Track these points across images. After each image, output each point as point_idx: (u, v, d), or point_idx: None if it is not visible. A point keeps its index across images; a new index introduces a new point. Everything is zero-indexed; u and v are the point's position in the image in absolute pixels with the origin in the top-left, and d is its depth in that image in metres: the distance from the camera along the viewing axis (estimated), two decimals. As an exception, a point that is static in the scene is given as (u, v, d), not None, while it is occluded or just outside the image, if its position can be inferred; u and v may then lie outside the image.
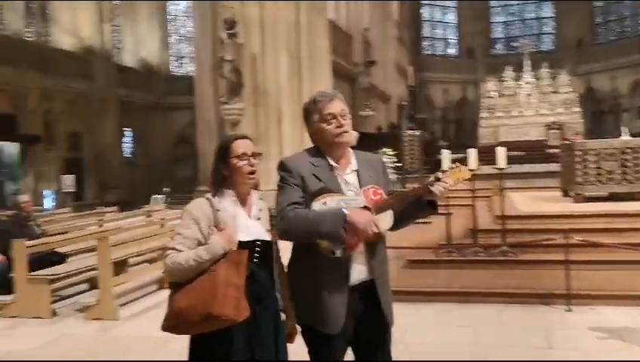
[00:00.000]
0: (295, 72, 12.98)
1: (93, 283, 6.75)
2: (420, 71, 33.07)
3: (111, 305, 5.90)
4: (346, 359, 2.55)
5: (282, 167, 2.46)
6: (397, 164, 12.38)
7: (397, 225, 2.59)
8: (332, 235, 2.27)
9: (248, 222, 2.40)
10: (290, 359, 2.50)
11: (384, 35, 25.16)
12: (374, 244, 2.48)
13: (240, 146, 2.40)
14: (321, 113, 2.46)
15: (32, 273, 6.17)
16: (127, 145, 22.76)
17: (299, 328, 2.55)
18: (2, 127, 16.46)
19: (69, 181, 15.75)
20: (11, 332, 5.68)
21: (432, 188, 2.40)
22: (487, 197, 9.94)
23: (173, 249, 2.31)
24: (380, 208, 2.39)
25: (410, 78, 29.05)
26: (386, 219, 2.43)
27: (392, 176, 11.31)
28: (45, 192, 16.81)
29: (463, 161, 8.45)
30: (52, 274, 6.21)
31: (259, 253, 2.38)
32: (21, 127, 17.28)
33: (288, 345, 2.52)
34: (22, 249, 6.16)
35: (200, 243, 2.29)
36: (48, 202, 16.57)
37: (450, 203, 8.36)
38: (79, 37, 20.16)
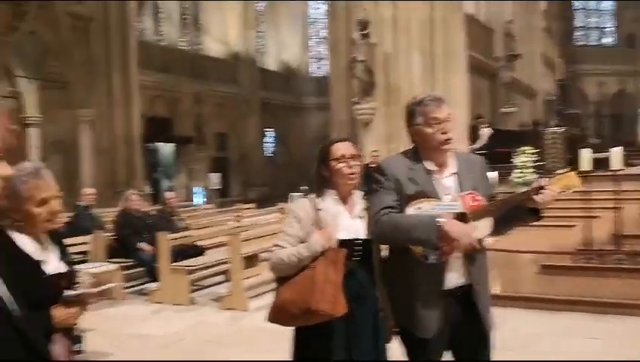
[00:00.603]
0: (428, 70, 12.78)
1: (227, 276, 7.21)
2: (572, 63, 30.90)
3: (241, 297, 6.26)
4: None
5: (378, 169, 2.47)
6: (538, 163, 11.70)
7: (497, 231, 2.50)
8: (425, 243, 2.28)
9: (349, 221, 2.45)
10: (390, 359, 2.51)
11: (529, 27, 23.85)
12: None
13: (339, 149, 2.46)
14: (427, 116, 2.43)
15: (174, 263, 6.74)
16: (269, 144, 23.89)
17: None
18: (160, 129, 18.08)
19: (215, 179, 16.92)
20: (155, 316, 6.25)
21: (535, 197, 2.29)
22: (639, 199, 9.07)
23: (277, 246, 2.44)
24: (477, 215, 2.32)
25: (560, 71, 27.24)
26: (484, 226, 2.35)
27: (532, 176, 10.72)
28: (195, 189, 18.18)
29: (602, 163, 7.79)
30: (191, 266, 6.74)
31: (359, 251, 2.42)
32: (176, 128, 18.87)
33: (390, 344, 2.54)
34: (165, 241, 6.75)
35: (302, 241, 2.39)
36: (198, 198, 17.89)
37: (595, 205, 7.75)
38: (227, 44, 21.56)
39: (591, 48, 34.01)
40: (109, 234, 7.51)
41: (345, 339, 2.35)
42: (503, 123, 17.99)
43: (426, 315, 2.35)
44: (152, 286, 6.92)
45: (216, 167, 19.61)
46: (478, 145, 13.76)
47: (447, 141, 2.41)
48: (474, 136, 14.02)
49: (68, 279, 2.28)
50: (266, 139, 23.57)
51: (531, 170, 11.24)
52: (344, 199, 2.48)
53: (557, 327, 5.15)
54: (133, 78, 15.32)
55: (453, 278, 2.39)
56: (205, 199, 17.74)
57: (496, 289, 6.60)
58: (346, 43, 13.16)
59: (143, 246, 7.15)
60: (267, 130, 23.48)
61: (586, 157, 6.51)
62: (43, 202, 2.11)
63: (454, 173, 2.46)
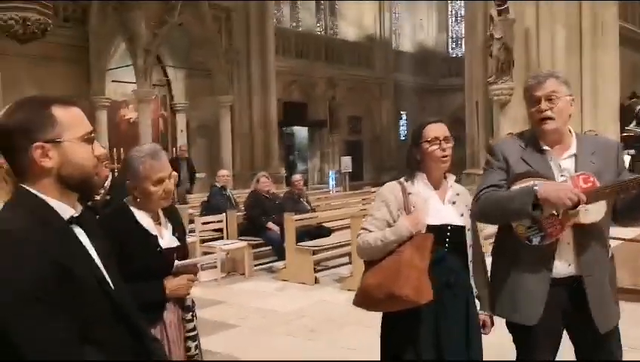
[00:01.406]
0: (574, 46, 11.85)
1: (351, 258, 7.31)
2: None
3: (362, 279, 6.30)
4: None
5: (489, 150, 2.42)
6: None
7: (623, 218, 2.30)
8: (520, 212, 2.16)
9: (440, 206, 2.37)
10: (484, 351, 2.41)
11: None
12: (585, 237, 2.23)
13: (432, 131, 2.37)
14: (531, 95, 2.30)
15: (300, 243, 6.96)
16: (402, 127, 23.67)
17: (499, 319, 2.43)
18: (296, 113, 18.66)
19: (347, 162, 17.13)
20: (280, 293, 6.52)
21: None
22: None
23: (364, 229, 2.41)
24: (589, 198, 2.13)
25: None
26: (596, 210, 2.16)
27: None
28: (329, 172, 18.56)
29: None
30: (315, 246, 6.92)
31: (450, 237, 2.33)
32: (310, 112, 19.36)
33: (489, 337, 2.43)
34: (291, 222, 6.99)
35: (389, 225, 2.34)
36: (330, 181, 18.26)
37: None
38: (361, 27, 21.62)
39: None
40: (241, 213, 7.92)
41: (434, 327, 2.28)
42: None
43: (529, 300, 2.24)
44: (279, 264, 7.21)
45: (349, 151, 19.84)
46: (632, 126, 12.57)
47: (543, 120, 2.25)
48: (628, 116, 12.80)
49: (181, 253, 2.44)
50: (399, 122, 23.38)
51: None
52: (436, 183, 2.40)
53: None
54: (271, 65, 15.92)
55: (563, 267, 2.24)
56: (336, 182, 18.06)
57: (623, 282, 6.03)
58: (484, 20, 12.61)
59: (271, 225, 7.47)
60: (401, 112, 23.26)
61: None
62: (159, 181, 2.28)
63: (573, 155, 2.30)
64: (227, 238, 7.63)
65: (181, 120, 15.26)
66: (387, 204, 2.38)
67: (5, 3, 4.29)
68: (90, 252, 1.40)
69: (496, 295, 2.36)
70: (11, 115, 1.34)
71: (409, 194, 2.37)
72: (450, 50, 26.08)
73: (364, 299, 2.34)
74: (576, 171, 2.26)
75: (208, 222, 7.67)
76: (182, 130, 15.15)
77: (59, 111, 1.36)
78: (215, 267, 7.07)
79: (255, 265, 7.46)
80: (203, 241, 7.46)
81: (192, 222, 7.72)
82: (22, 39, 4.60)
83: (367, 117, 21.52)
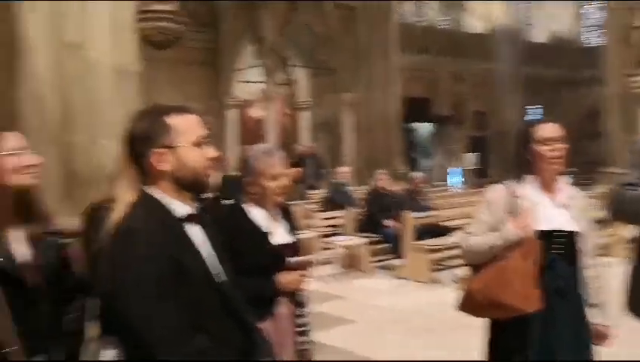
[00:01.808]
0: None
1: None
2: None
3: (481, 280, 6.13)
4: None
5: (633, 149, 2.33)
6: None
7: None
8: None
9: (551, 210, 2.26)
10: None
11: None
12: None
13: (544, 130, 2.26)
14: None
15: (417, 241, 6.91)
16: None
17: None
18: (418, 109, 18.42)
19: (472, 159, 16.64)
20: (397, 291, 6.53)
21: None
22: None
23: (468, 232, 2.36)
24: None
25: None
26: None
27: None
28: (451, 169, 18.13)
29: None
30: (433, 245, 6.83)
31: (561, 243, 2.22)
32: (434, 108, 19.03)
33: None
34: (410, 219, 6.96)
35: (492, 229, 2.27)
36: (454, 178, 17.82)
37: None
38: (489, 19, 20.85)
39: None
40: (360, 210, 8.01)
41: (542, 335, 2.18)
42: None
43: None
44: (397, 261, 7.21)
45: (474, 147, 19.24)
46: None
47: None
48: None
49: (292, 249, 2.53)
50: (528, 117, 22.25)
51: None
52: (546, 186, 2.28)
53: None
54: (394, 61, 15.84)
55: None
56: (462, 179, 17.58)
57: None
58: (624, 8, 11.67)
59: (389, 223, 7.48)
60: (530, 107, 22.13)
61: None
62: (274, 178, 2.40)
63: None
64: (346, 234, 7.75)
65: (305, 118, 15.68)
66: (492, 207, 2.30)
67: (145, 14, 4.67)
68: (202, 248, 1.54)
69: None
70: (134, 124, 1.51)
71: (517, 197, 2.27)
72: (585, 40, 24.37)
73: (468, 305, 2.30)
74: None
75: (328, 218, 7.84)
76: (305, 128, 15.58)
77: (174, 119, 1.51)
78: (333, 262, 7.22)
79: (373, 262, 7.51)
80: (322, 237, 7.64)
81: (311, 218, 7.94)
82: (160, 46, 4.99)
83: (494, 112, 20.71)
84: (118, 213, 1.49)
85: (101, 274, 1.47)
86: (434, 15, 20.30)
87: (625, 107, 11.29)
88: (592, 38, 24.24)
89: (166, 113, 1.51)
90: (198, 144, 1.52)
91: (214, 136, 13.86)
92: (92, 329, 2.03)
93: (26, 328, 1.65)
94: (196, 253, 1.51)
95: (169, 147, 1.49)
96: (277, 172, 2.40)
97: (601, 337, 2.30)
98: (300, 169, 11.57)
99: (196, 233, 1.54)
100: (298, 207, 8.63)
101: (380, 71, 15.66)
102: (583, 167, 17.35)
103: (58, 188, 3.93)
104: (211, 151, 1.56)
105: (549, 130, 2.26)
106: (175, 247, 1.44)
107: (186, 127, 1.52)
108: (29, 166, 1.68)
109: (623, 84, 11.70)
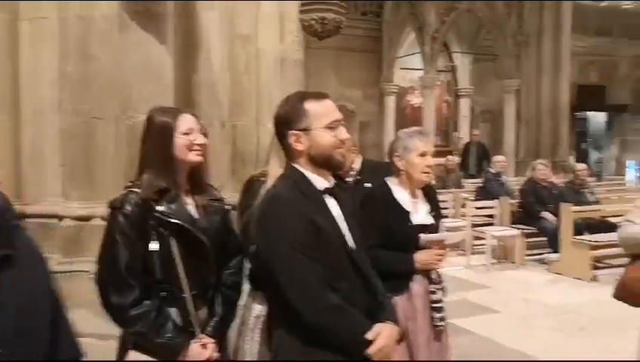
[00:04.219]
0: None
1: (638, 257, 6.60)
2: None
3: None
4: None
5: None
6: None
7: None
8: None
9: None
10: None
11: None
12: None
13: None
14: None
15: (577, 236, 6.56)
16: None
17: None
18: (592, 97, 17.08)
19: (651, 152, 15.11)
20: (551, 286, 6.27)
21: None
22: None
23: (628, 221, 2.30)
24: None
25: None
26: None
27: None
28: (628, 162, 16.61)
29: None
30: (593, 241, 6.43)
31: None
32: (609, 96, 17.51)
33: None
34: (569, 213, 6.62)
35: None
36: (631, 172, 16.32)
37: None
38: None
39: None
40: (516, 200, 7.76)
41: None
42: None
43: None
44: (553, 256, 6.90)
45: (656, 139, 17.42)
46: None
47: None
48: None
49: (431, 231, 2.64)
50: None
51: None
52: None
53: None
54: (565, 45, 14.85)
55: None
56: (638, 174, 16.04)
57: None
58: None
59: (546, 215, 7.17)
60: None
61: None
62: (422, 155, 2.54)
63: None
64: (500, 225, 7.57)
65: (465, 105, 15.35)
66: None
67: (307, 6, 5.01)
68: (337, 217, 1.75)
69: None
70: (279, 108, 1.77)
71: None
72: None
73: (624, 292, 2.29)
74: None
75: (481, 208, 7.72)
76: (465, 116, 15.25)
77: (311, 105, 1.74)
78: (485, 253, 7.11)
79: (527, 255, 7.26)
80: (475, 226, 7.55)
81: (464, 206, 7.86)
82: (320, 36, 5.30)
83: (681, 100, 18.50)
84: (268, 184, 1.76)
85: (251, 236, 1.74)
86: (617, -6, 18.58)
87: None
88: None
89: (304, 99, 1.74)
90: (331, 127, 1.73)
91: (374, 123, 14.21)
92: (246, 286, 2.35)
93: (196, 279, 1.95)
94: (333, 220, 1.73)
95: (304, 129, 1.72)
96: (424, 149, 2.53)
97: None
98: (456, 157, 11.46)
99: (333, 204, 1.77)
100: (453, 195, 8.62)
101: (549, 55, 14.79)
102: None
103: (226, 167, 4.42)
104: (343, 133, 1.75)
105: None
106: (315, 213, 1.68)
107: (321, 111, 1.73)
108: (198, 145, 1.98)
109: None
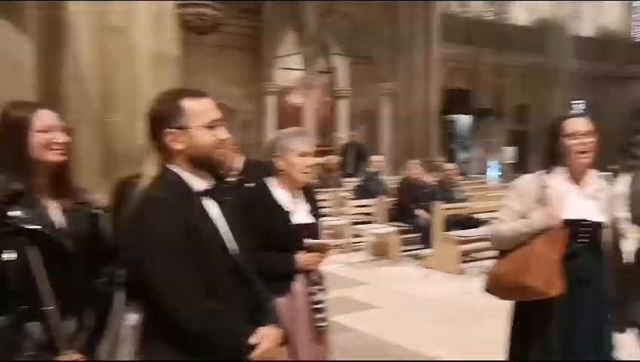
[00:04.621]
0: None
1: (501, 251, 7.12)
2: None
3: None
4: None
5: None
6: None
7: None
8: None
9: (579, 201, 2.32)
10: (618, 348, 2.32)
11: None
12: None
13: (572, 125, 2.34)
14: None
15: (447, 232, 6.94)
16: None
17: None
18: (459, 101, 18.23)
19: (510, 153, 16.43)
20: (424, 280, 6.58)
21: None
22: None
23: (498, 219, 2.45)
24: None
25: None
26: None
27: None
28: (491, 163, 17.93)
29: None
30: (462, 236, 6.85)
31: (586, 233, 2.28)
32: (474, 101, 18.80)
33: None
34: (441, 210, 6.99)
35: (522, 217, 2.36)
36: (492, 172, 17.62)
37: None
38: (535, 12, 20.41)
39: None
40: (392, 199, 8.06)
41: (564, 322, 2.25)
42: None
43: None
44: (426, 251, 7.25)
45: (515, 141, 18.94)
46: None
47: None
48: None
49: (311, 230, 2.64)
50: (573, 112, 21.76)
51: None
52: (576, 178, 2.35)
53: None
54: (435, 51, 15.72)
55: None
56: (500, 173, 17.38)
57: None
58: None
59: (419, 212, 7.52)
60: (575, 102, 21.61)
61: None
62: (302, 155, 2.51)
63: None
64: (377, 223, 7.83)
65: (344, 106, 15.75)
66: (522, 195, 2.39)
67: (185, 1, 4.84)
68: (217, 219, 1.67)
69: None
70: (153, 106, 1.66)
71: (546, 187, 2.35)
72: (635, 35, 23.59)
73: (495, 287, 2.42)
74: None
75: (360, 206, 7.93)
76: (344, 117, 15.65)
77: (188, 103, 1.64)
78: (363, 250, 7.31)
79: (402, 251, 7.58)
80: (354, 224, 7.74)
81: (343, 205, 8.03)
82: (199, 32, 5.16)
83: (537, 106, 20.29)
84: (142, 186, 1.64)
85: (123, 242, 1.62)
86: (478, 6, 19.98)
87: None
88: (643, 33, 23.48)
89: (181, 97, 1.65)
90: (210, 126, 1.65)
91: (254, 122, 14.14)
92: (119, 295, 2.20)
93: (61, 290, 1.79)
94: (211, 223, 1.65)
95: (182, 128, 1.62)
96: (304, 150, 2.51)
97: (622, 326, 2.35)
98: (336, 157, 11.70)
99: (212, 207, 1.68)
100: (332, 194, 8.77)
101: (420, 61, 15.57)
102: (629, 163, 16.96)
103: (98, 167, 4.15)
104: (223, 133, 1.68)
105: (578, 124, 2.34)
106: (192, 216, 1.58)
107: (199, 110, 1.65)
108: (58, 143, 1.81)
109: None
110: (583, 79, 21.18)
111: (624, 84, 22.01)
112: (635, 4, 23.86)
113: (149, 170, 1.93)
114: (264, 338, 1.65)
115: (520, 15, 20.37)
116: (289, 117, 14.37)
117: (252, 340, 1.62)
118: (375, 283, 6.42)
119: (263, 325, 1.70)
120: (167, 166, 1.66)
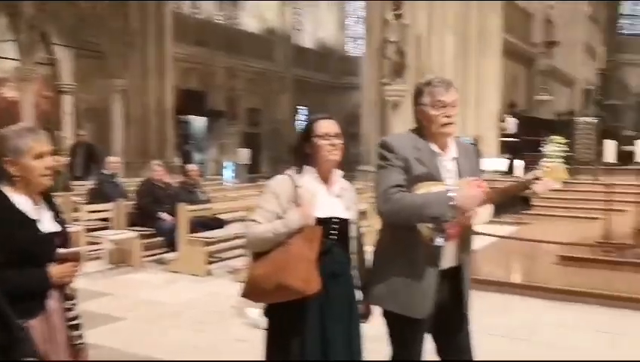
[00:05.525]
0: (461, 53, 12.58)
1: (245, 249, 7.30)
2: (615, 52, 29.86)
3: (255, 271, 6.33)
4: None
5: (386, 146, 2.44)
6: (568, 154, 11.41)
7: (498, 215, 2.54)
8: (439, 218, 2.28)
9: (328, 199, 2.44)
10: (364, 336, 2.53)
11: (573, 13, 23.10)
12: (466, 233, 2.44)
13: (322, 126, 2.44)
14: (433, 98, 2.42)
15: (192, 234, 6.86)
16: (301, 122, 23.88)
17: (376, 309, 2.55)
18: (193, 102, 18.24)
19: (245, 154, 17.04)
20: (170, 285, 6.38)
21: (534, 187, 2.34)
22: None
23: (253, 221, 2.44)
24: (489, 201, 2.37)
25: (601, 60, 26.40)
26: (485, 213, 2.41)
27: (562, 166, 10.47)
28: (226, 163, 18.33)
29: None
30: (208, 237, 6.84)
31: (336, 230, 2.42)
32: (209, 102, 19.02)
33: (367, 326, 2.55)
34: (185, 212, 6.86)
35: (279, 217, 2.38)
36: (228, 173, 18.04)
37: (620, 199, 7.59)
38: (263, 20, 21.53)
39: (637, 38, 32.75)
40: (131, 202, 7.66)
41: (319, 315, 2.35)
42: (537, 111, 17.58)
43: (423, 296, 2.38)
44: (170, 255, 7.06)
45: (248, 143, 19.72)
46: (508, 131, 13.60)
47: (448, 125, 2.41)
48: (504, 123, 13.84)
49: (62, 238, 2.33)
50: (298, 117, 23.57)
51: (560, 159, 10.98)
52: (324, 177, 2.47)
53: (568, 318, 5.08)
54: (168, 51, 15.47)
55: (447, 260, 2.43)
56: (234, 174, 17.88)
57: (514, 277, 6.56)
58: (381, 23, 13.03)
59: (163, 215, 7.29)
60: (300, 107, 23.45)
61: (609, 148, 6.35)
62: (39, 156, 2.17)
63: (455, 158, 2.48)
64: (115, 228, 7.35)
65: (68, 102, 14.43)
66: (277, 196, 2.40)
67: None
68: None
69: (387, 289, 2.44)
70: None
71: (298, 187, 2.41)
72: (348, 49, 26.63)
73: (253, 290, 2.36)
74: (459, 173, 2.44)
75: (95, 211, 7.35)
76: (68, 113, 14.34)
77: None
78: (101, 258, 6.79)
79: (145, 256, 7.24)
80: (89, 231, 7.14)
81: (76, 210, 7.35)
82: None
83: (267, 109, 21.48)
84: None
85: None
86: (209, 8, 20.27)
87: (379, 112, 12.62)
88: (354, 48, 26.61)
89: None
90: None
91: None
92: None
93: None
94: None
95: None
96: (40, 150, 2.19)
97: (367, 315, 2.56)
98: (63, 158, 10.66)
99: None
100: (63, 199, 7.94)
101: (153, 59, 15.18)
102: (347, 165, 19.02)
103: None
104: None
105: (328, 126, 2.45)
106: None
107: None
108: None
109: (378, 91, 13.08)
110: (305, 86, 23.10)
111: (339, 93, 24.62)
112: (347, 22, 26.84)
113: None
114: None
115: (250, 22, 21.27)
116: (4, 112, 12.62)
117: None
118: (116, 293, 6.01)
119: (17, 359, 1.44)
120: None
